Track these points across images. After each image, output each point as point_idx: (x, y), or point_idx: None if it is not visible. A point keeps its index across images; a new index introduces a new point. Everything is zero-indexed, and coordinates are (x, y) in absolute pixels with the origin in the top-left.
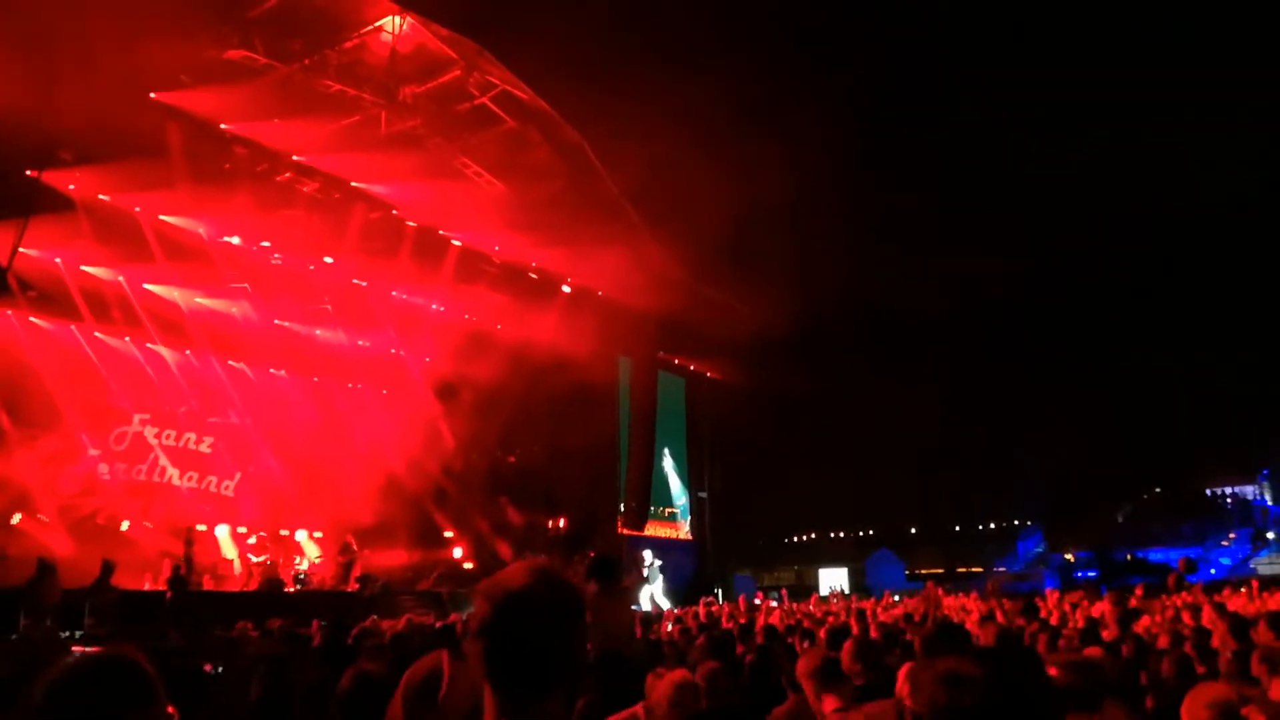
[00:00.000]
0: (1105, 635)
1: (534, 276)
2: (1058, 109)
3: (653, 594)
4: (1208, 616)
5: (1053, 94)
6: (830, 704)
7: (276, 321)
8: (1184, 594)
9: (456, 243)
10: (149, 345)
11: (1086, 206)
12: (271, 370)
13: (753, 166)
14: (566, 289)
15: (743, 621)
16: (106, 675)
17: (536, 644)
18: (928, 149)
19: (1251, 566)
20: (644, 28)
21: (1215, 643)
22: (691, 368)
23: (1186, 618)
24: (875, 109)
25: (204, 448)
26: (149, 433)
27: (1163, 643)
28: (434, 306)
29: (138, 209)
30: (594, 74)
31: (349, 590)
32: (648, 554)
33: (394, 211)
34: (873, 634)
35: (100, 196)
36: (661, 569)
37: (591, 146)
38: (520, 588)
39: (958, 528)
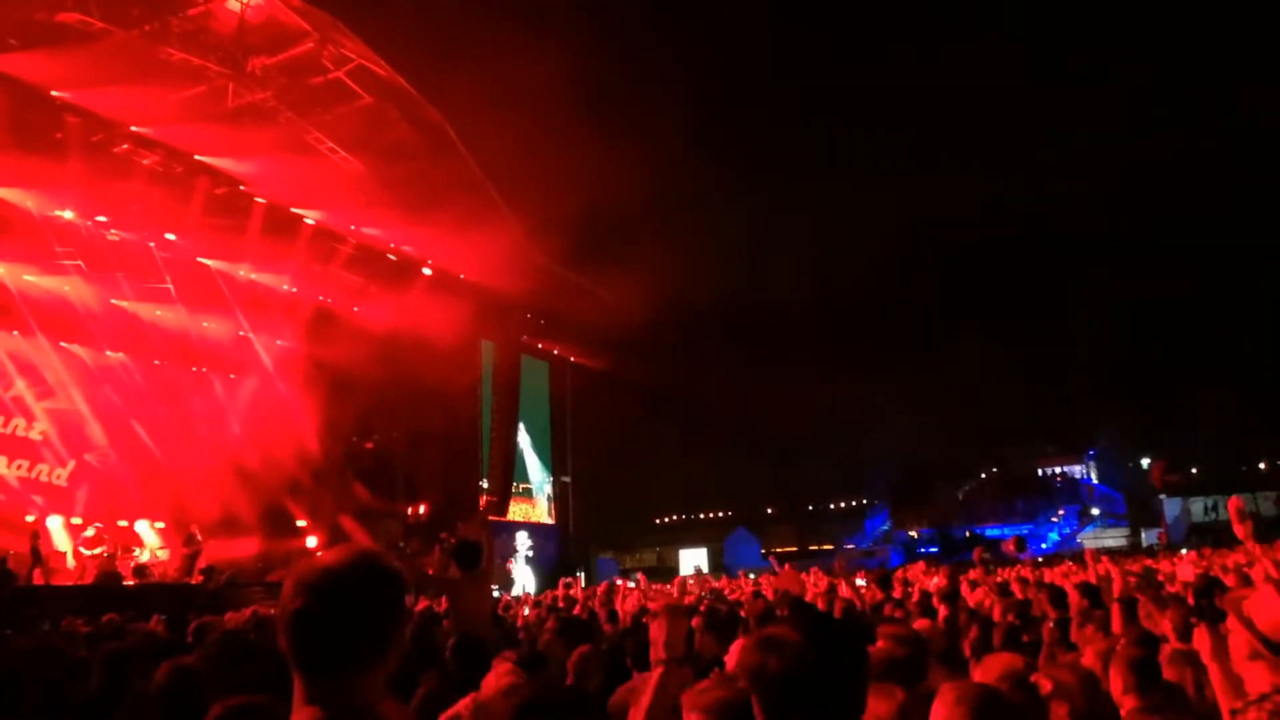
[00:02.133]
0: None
1: (393, 258)
2: (895, 111)
3: (524, 584)
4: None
5: (894, 95)
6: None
7: (114, 301)
8: (1017, 567)
9: (310, 221)
10: None
11: (926, 201)
12: (109, 353)
13: (618, 156)
14: (428, 271)
15: (595, 605)
16: None
17: (335, 620)
18: (786, 147)
19: (1078, 541)
20: (507, 9)
21: (1036, 611)
22: (555, 352)
23: (1016, 590)
24: (736, 105)
25: (34, 435)
26: None
27: (996, 614)
28: (285, 287)
29: None
30: (457, 53)
31: (193, 583)
32: (522, 535)
33: (241, 187)
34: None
35: None
36: (529, 553)
37: (453, 126)
38: (325, 565)
39: (811, 507)
